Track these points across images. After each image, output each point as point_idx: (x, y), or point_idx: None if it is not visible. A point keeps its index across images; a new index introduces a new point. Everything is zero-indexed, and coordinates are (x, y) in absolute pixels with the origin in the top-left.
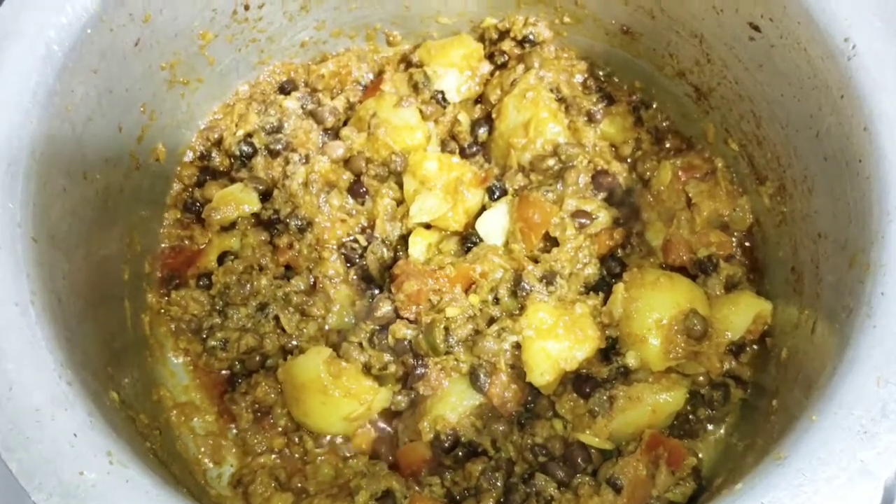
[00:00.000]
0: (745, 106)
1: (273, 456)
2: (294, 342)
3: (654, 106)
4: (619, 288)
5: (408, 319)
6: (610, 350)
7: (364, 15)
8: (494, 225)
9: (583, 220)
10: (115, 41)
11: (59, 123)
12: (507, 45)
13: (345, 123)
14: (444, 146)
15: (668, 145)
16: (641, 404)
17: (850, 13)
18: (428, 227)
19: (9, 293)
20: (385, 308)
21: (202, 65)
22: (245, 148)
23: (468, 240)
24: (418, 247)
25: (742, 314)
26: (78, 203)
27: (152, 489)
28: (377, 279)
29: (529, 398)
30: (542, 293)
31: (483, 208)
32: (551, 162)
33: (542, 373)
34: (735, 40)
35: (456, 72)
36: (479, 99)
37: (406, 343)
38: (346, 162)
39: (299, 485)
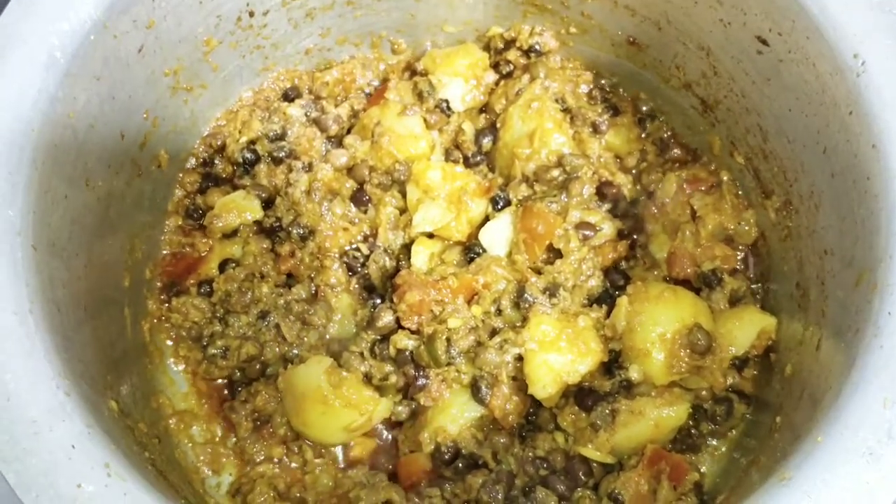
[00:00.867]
0: (751, 119)
1: (272, 465)
2: (295, 351)
3: (660, 117)
4: (623, 301)
5: (409, 330)
6: (612, 363)
7: (369, 23)
8: (498, 235)
9: (587, 232)
10: (118, 48)
11: (61, 131)
12: (512, 54)
13: (348, 131)
14: (447, 155)
15: (673, 157)
16: (644, 418)
17: (860, 30)
18: (431, 236)
19: (7, 302)
20: (387, 318)
21: (206, 71)
22: (248, 155)
23: (471, 250)
24: (421, 256)
25: (746, 329)
26: (79, 210)
27: (150, 502)
28: (379, 288)
29: (531, 410)
30: (545, 305)
31: (486, 218)
32: (556, 173)
33: (545, 385)
34: (742, 53)
35: (461, 81)
36: (484, 108)
37: (407, 354)
38: (350, 170)
39: (298, 494)
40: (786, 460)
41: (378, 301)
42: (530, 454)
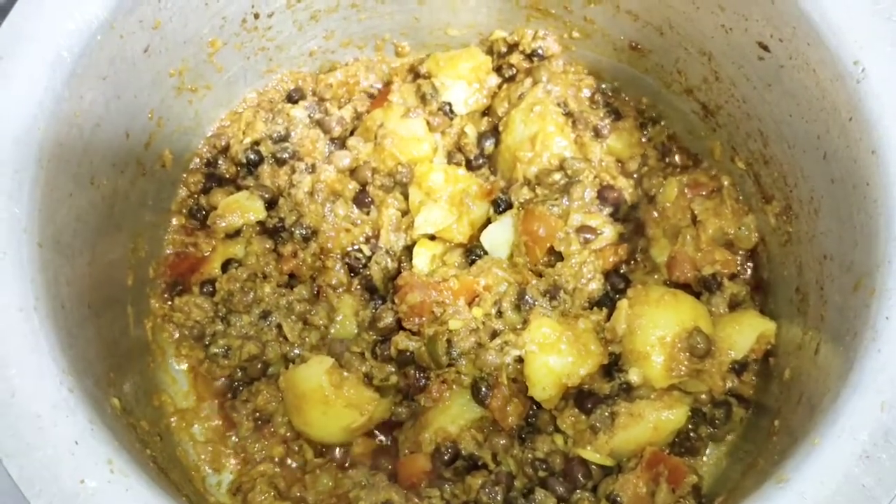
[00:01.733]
0: (752, 125)
1: (273, 464)
2: (296, 351)
3: (661, 122)
4: (623, 304)
5: (410, 331)
6: (612, 366)
7: (373, 25)
8: (499, 238)
9: (588, 236)
10: (124, 47)
11: (67, 129)
12: (515, 58)
13: (351, 133)
14: (450, 158)
15: (674, 161)
16: (643, 421)
17: (860, 37)
18: (432, 238)
19: (13, 299)
20: (388, 319)
21: (210, 72)
22: (252, 156)
23: (472, 252)
24: (422, 258)
25: (746, 333)
26: (84, 208)
27: (152, 499)
28: (380, 289)
29: (530, 412)
30: (546, 307)
31: (488, 221)
32: (557, 176)
33: (545, 387)
34: (744, 59)
35: (464, 84)
36: (486, 111)
37: (408, 354)
38: (352, 172)
39: (298, 494)
40: (783, 462)
41: (380, 302)
42: (530, 456)
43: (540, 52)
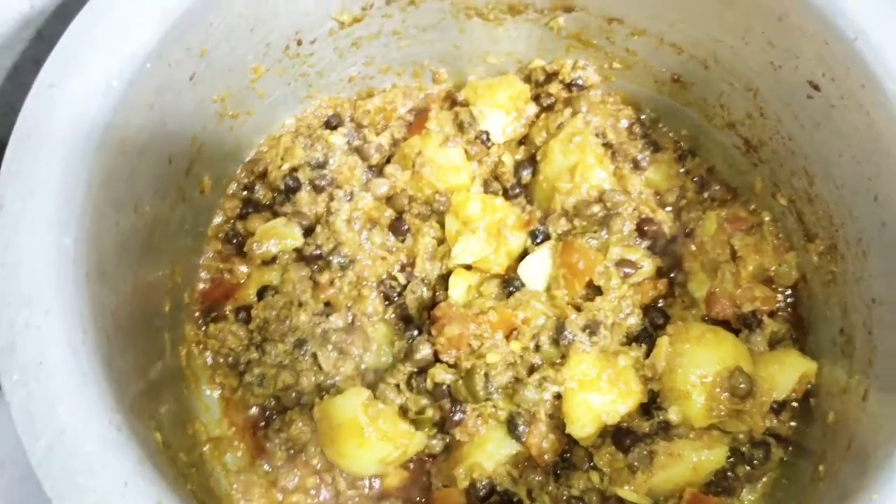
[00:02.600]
0: (797, 162)
1: (306, 495)
2: (331, 381)
3: (701, 155)
4: (664, 342)
5: (447, 363)
6: (651, 404)
7: (413, 52)
8: (537, 270)
9: (628, 270)
10: (172, 75)
11: (115, 157)
12: (554, 87)
13: (388, 160)
14: (486, 186)
15: (713, 195)
16: (682, 461)
17: None
18: (469, 268)
19: (62, 332)
20: (424, 351)
21: (252, 98)
22: (290, 182)
23: (510, 283)
24: (458, 288)
25: (787, 374)
26: (127, 236)
27: None
28: (416, 319)
29: (566, 448)
30: (585, 343)
31: (525, 252)
32: (596, 208)
33: (584, 425)
34: (792, 97)
35: (502, 112)
36: (524, 140)
37: (444, 388)
38: (389, 199)
39: None
40: None
41: (415, 332)
42: (565, 493)
43: (579, 82)
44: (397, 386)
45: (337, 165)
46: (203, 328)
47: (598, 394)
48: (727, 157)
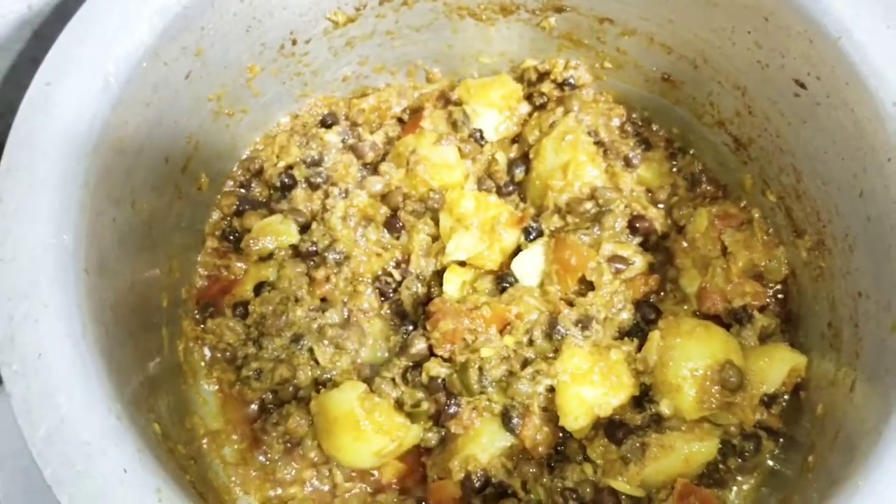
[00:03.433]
0: (785, 159)
1: (303, 487)
2: (327, 375)
3: (691, 153)
4: (655, 336)
5: (442, 358)
6: (643, 397)
7: (407, 52)
8: (530, 266)
9: (619, 266)
10: (168, 74)
11: (112, 155)
12: (546, 86)
13: (383, 158)
14: (480, 184)
15: (703, 192)
16: (674, 453)
17: None
18: (463, 264)
19: (62, 325)
20: (419, 345)
21: (247, 96)
22: (285, 179)
23: (503, 279)
24: (453, 284)
25: (777, 367)
26: (125, 232)
27: None
28: (411, 314)
29: (560, 441)
30: (578, 337)
31: (518, 248)
32: (588, 205)
33: (577, 417)
34: (779, 95)
35: (495, 111)
36: (516, 139)
37: (439, 381)
38: (384, 197)
39: None
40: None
41: (410, 327)
42: (559, 485)
43: (571, 81)
44: (393, 380)
45: (332, 163)
46: (201, 324)
47: (590, 387)
48: (717, 154)
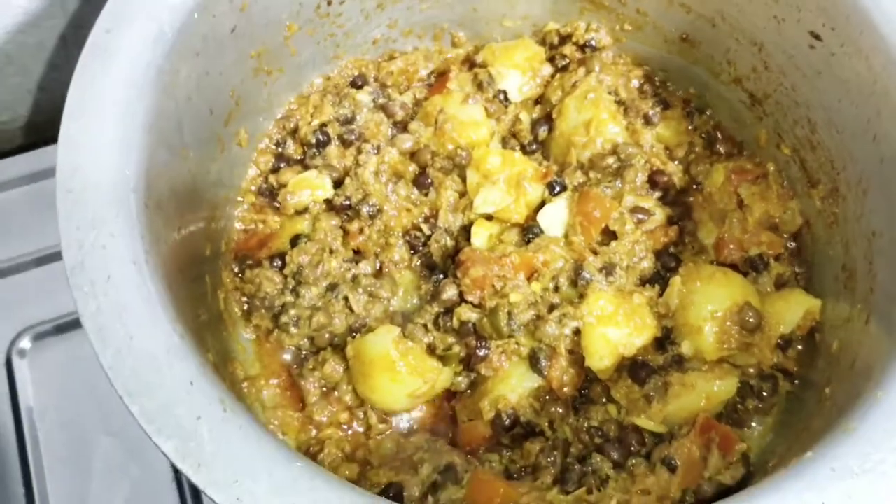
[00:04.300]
0: (800, 112)
1: (338, 429)
2: (360, 322)
3: (708, 113)
4: (676, 281)
5: (472, 303)
6: (665, 339)
7: (434, 15)
8: (555, 218)
9: (641, 216)
10: (215, 26)
11: (166, 101)
12: (568, 49)
13: (412, 118)
14: (504, 143)
15: (720, 149)
16: (695, 391)
17: None
18: (489, 218)
19: (127, 252)
20: (451, 292)
21: (285, 55)
22: (320, 136)
23: (529, 231)
24: (480, 237)
25: (793, 310)
26: (176, 179)
27: (263, 437)
28: (440, 266)
29: (585, 384)
30: (602, 283)
31: (543, 203)
32: (610, 160)
33: (602, 357)
34: (795, 48)
35: (518, 73)
36: (539, 99)
37: (470, 326)
38: (413, 154)
39: (364, 457)
40: (846, 415)
41: (441, 276)
42: (585, 424)
43: (593, 43)
44: (425, 326)
45: (364, 121)
46: (239, 275)
47: (615, 328)
48: (733, 111)
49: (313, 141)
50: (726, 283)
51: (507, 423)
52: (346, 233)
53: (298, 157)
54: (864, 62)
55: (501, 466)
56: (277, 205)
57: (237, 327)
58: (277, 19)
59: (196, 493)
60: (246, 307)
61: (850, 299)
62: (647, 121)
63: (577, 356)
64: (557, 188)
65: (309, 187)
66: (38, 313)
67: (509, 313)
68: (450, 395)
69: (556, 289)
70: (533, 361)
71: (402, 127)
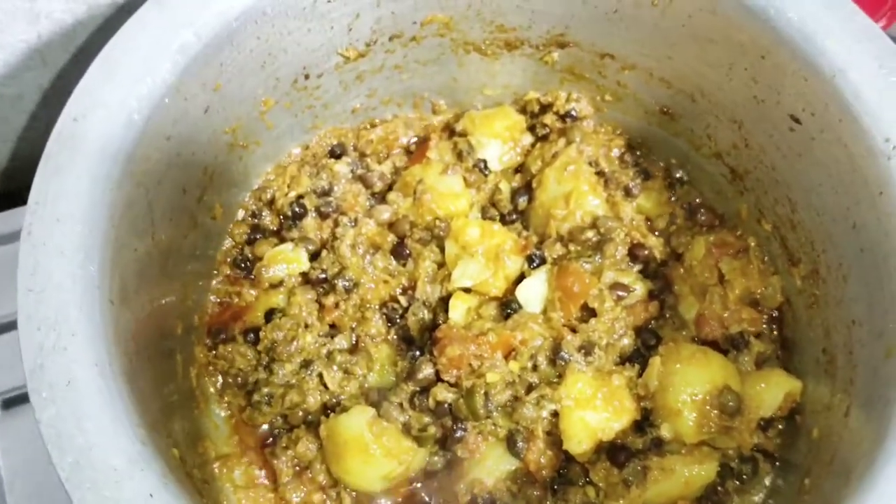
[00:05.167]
0: (780, 191)
1: None
2: (336, 399)
3: (689, 183)
4: (656, 361)
5: (448, 383)
6: (644, 421)
7: (414, 85)
8: (534, 292)
9: (621, 293)
10: (188, 109)
11: (135, 188)
12: (548, 118)
13: (390, 187)
14: (484, 213)
15: (700, 221)
16: (675, 476)
17: (892, 116)
18: (468, 291)
19: (89, 354)
20: (427, 371)
21: (261, 129)
22: (296, 209)
23: (508, 306)
24: (458, 310)
25: (773, 391)
26: (145, 262)
27: None
28: (417, 340)
29: (562, 465)
30: (581, 363)
31: (522, 275)
32: (590, 234)
33: (580, 441)
34: (775, 129)
35: (499, 142)
36: (519, 168)
37: (446, 406)
38: (391, 225)
39: None
40: None
41: (417, 353)
42: None
43: (573, 113)
44: (400, 404)
45: (341, 193)
46: (212, 349)
47: (593, 411)
48: (714, 184)
49: (289, 213)
50: (706, 364)
51: None
52: (321, 307)
53: (275, 229)
54: (844, 150)
55: None
56: (253, 277)
57: (209, 404)
58: (253, 95)
59: None
60: (219, 384)
61: (830, 385)
62: (628, 192)
63: (555, 437)
64: (536, 261)
65: (284, 261)
66: (7, 380)
67: (486, 394)
68: (427, 473)
69: (535, 368)
70: (510, 443)
71: (381, 197)
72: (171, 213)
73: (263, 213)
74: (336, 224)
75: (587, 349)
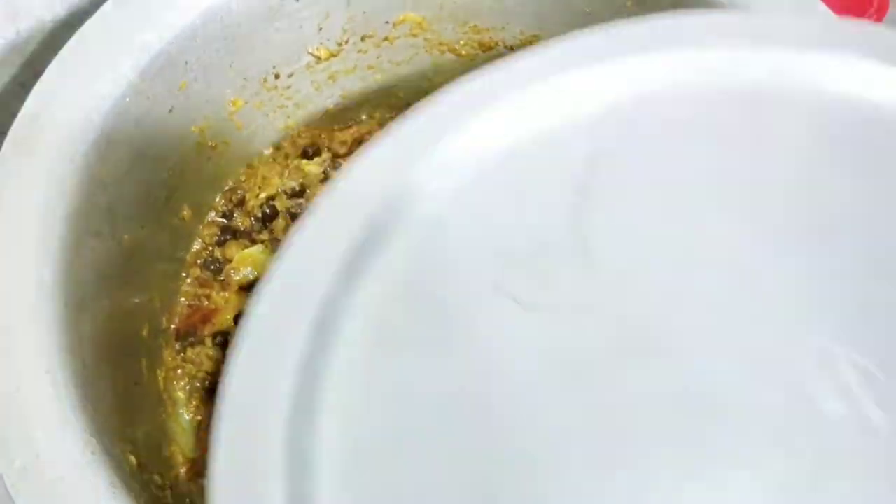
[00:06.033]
0: None
1: None
2: None
3: None
4: None
5: None
6: None
7: (388, 85)
8: None
9: None
10: (150, 108)
11: (94, 190)
12: None
13: None
14: None
15: None
16: None
17: None
18: None
19: (41, 362)
20: None
21: (230, 129)
22: (267, 210)
23: None
24: None
25: None
26: (105, 263)
27: None
28: None
29: None
30: None
31: None
32: None
33: None
34: None
35: None
36: None
37: None
38: None
39: None
40: None
41: None
42: None
43: None
44: None
45: (314, 194)
46: (181, 353)
47: None
48: None
49: (260, 215)
50: None
51: None
52: None
53: (245, 230)
54: None
55: None
56: (223, 279)
57: (177, 408)
58: (220, 96)
59: None
60: (187, 387)
61: None
62: None
63: None
64: None
65: (254, 264)
66: None
67: None
68: None
69: None
70: None
71: None
72: (135, 214)
73: (234, 215)
74: None
75: None
